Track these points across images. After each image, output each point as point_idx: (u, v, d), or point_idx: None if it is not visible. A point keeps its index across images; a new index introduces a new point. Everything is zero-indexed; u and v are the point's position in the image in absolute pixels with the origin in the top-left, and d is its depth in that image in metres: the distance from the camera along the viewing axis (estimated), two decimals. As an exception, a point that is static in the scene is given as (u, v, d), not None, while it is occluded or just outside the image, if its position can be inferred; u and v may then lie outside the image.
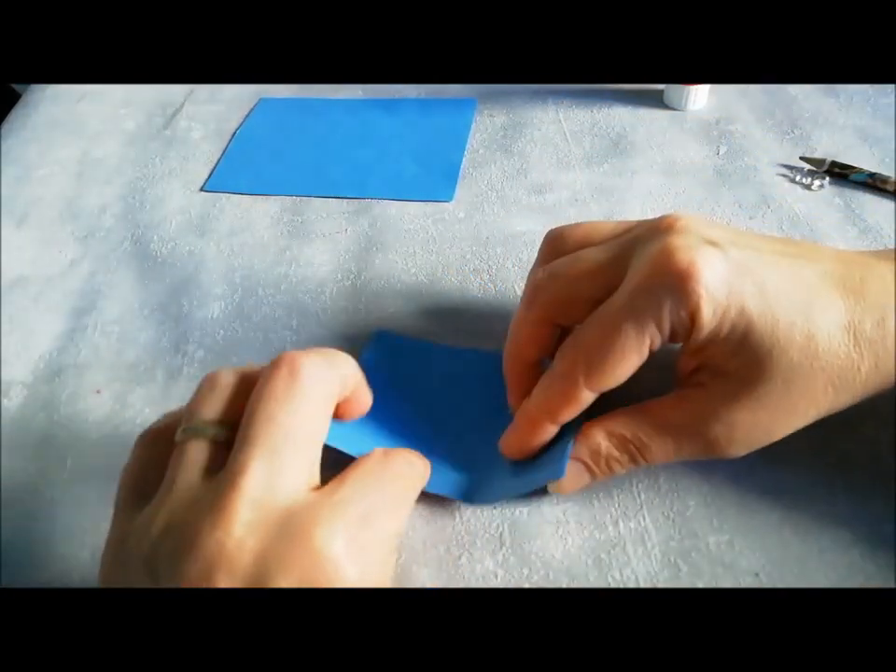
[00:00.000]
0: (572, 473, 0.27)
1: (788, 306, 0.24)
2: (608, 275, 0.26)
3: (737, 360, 0.24)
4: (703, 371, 0.26)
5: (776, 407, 0.24)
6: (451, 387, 0.32)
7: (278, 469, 0.21)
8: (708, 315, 0.24)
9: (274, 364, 0.23)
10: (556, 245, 0.30)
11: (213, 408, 0.23)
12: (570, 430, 0.27)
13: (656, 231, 0.26)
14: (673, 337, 0.25)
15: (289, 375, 0.22)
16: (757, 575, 0.25)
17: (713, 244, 0.24)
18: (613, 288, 0.25)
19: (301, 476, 0.21)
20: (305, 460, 0.22)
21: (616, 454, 0.26)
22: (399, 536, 0.22)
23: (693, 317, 0.24)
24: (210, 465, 0.22)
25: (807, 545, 0.26)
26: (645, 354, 0.25)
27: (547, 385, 0.26)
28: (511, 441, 0.28)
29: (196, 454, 0.22)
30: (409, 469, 0.24)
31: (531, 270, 0.30)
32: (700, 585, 0.25)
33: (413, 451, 0.26)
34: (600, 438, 0.26)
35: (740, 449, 0.26)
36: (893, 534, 0.26)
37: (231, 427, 0.22)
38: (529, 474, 0.28)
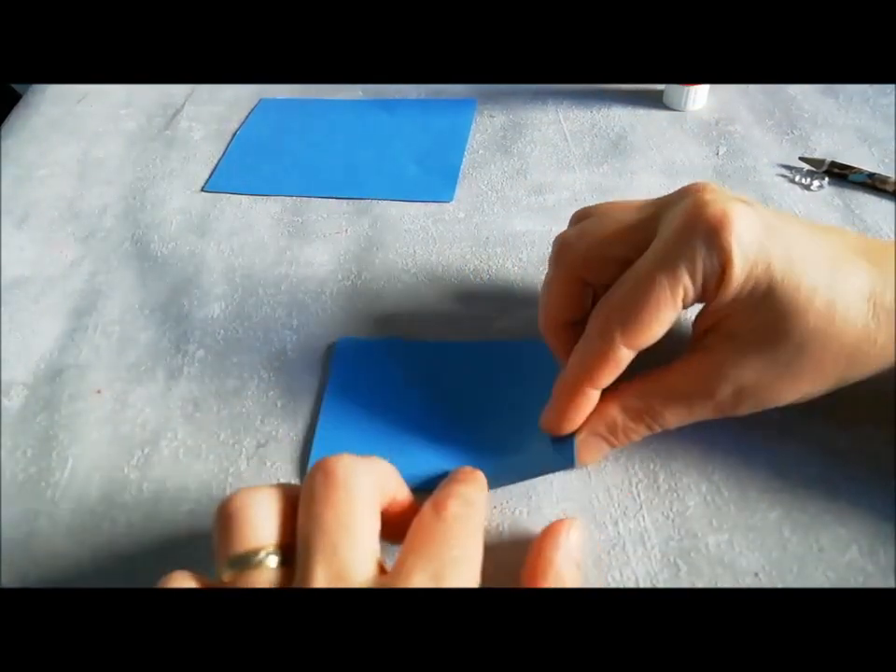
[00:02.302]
0: (592, 447, 0.27)
1: (812, 271, 0.24)
2: (638, 235, 0.26)
3: (754, 321, 0.24)
4: (714, 334, 0.26)
5: (784, 371, 0.25)
6: (434, 382, 0.32)
7: (339, 565, 0.20)
8: (739, 267, 0.24)
9: (311, 474, 0.22)
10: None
11: (254, 536, 0.22)
12: None
13: (685, 193, 0.26)
14: (705, 291, 0.25)
15: (325, 477, 0.22)
16: (756, 574, 0.25)
17: (744, 202, 0.25)
18: (643, 248, 0.25)
19: (364, 566, 0.21)
20: (364, 552, 0.21)
21: (632, 425, 0.27)
22: (476, 575, 0.22)
23: (725, 268, 0.24)
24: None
25: (807, 544, 0.26)
26: (679, 306, 0.25)
27: (583, 349, 0.26)
28: (553, 416, 0.27)
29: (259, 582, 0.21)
30: (464, 508, 0.23)
31: (555, 238, 0.30)
32: (700, 585, 0.25)
33: (465, 472, 0.25)
34: (616, 412, 0.27)
35: (747, 408, 0.26)
36: (893, 533, 0.26)
37: (279, 549, 0.22)
38: (536, 462, 0.28)
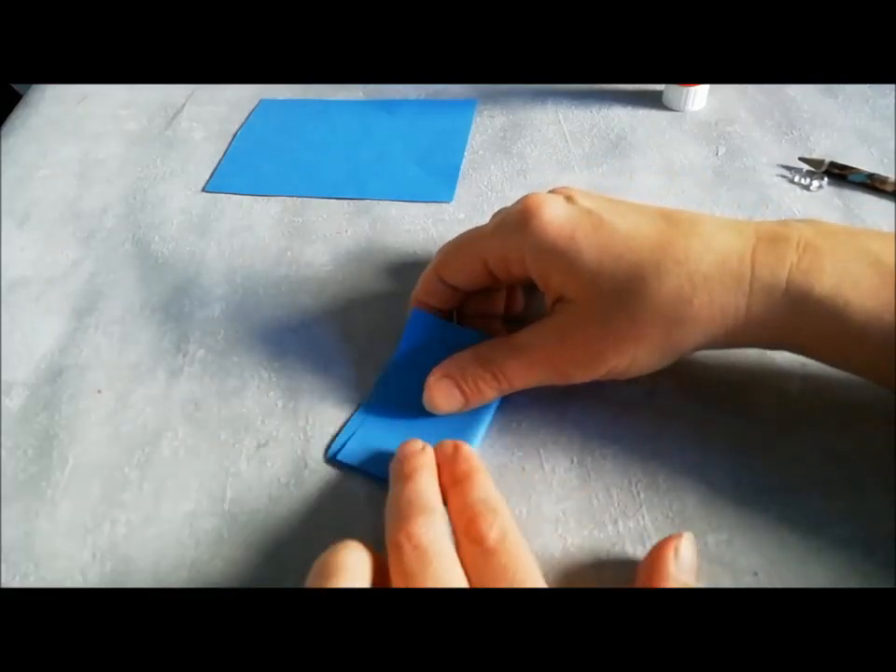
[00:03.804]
0: (444, 389, 0.30)
1: (618, 240, 0.27)
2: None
3: (574, 286, 0.28)
4: (558, 303, 0.29)
5: (602, 325, 0.27)
6: None
7: None
8: (538, 239, 0.28)
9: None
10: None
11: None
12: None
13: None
14: (519, 264, 0.29)
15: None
16: (756, 574, 0.25)
17: (569, 198, 0.29)
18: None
19: None
20: None
21: (480, 371, 0.29)
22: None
23: (527, 241, 0.28)
24: None
25: (805, 544, 0.26)
26: (477, 269, 0.30)
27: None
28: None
29: None
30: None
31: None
32: (699, 584, 0.25)
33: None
34: (467, 356, 0.30)
35: (577, 368, 0.28)
36: (892, 533, 0.26)
37: None
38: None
